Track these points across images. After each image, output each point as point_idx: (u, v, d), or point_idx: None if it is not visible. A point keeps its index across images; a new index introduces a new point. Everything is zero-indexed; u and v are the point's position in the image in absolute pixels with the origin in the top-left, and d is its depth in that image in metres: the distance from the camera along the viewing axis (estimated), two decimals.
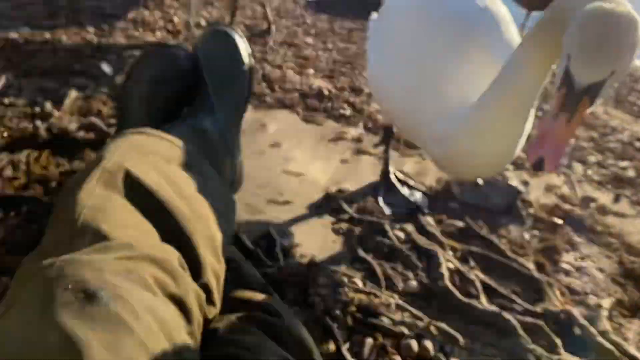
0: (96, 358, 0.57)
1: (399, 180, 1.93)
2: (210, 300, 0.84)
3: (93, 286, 0.64)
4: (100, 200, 0.81)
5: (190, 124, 1.24)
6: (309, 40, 3.42)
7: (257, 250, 1.38)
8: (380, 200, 1.82)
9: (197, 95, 1.42)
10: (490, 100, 1.11)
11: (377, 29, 1.62)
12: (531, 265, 1.66)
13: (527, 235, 1.84)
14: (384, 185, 1.89)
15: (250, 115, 2.27)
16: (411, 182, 1.96)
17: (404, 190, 1.88)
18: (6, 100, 1.91)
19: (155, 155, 0.97)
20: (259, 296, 0.94)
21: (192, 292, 0.78)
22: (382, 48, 1.52)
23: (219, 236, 0.94)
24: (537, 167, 0.89)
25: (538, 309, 1.44)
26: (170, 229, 0.85)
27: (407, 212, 1.79)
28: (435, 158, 1.36)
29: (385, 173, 1.93)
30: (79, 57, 2.44)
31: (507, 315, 1.31)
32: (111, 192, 0.84)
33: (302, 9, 4.10)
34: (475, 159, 1.20)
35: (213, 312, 0.85)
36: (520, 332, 1.26)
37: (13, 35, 2.48)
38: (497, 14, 1.34)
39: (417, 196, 1.89)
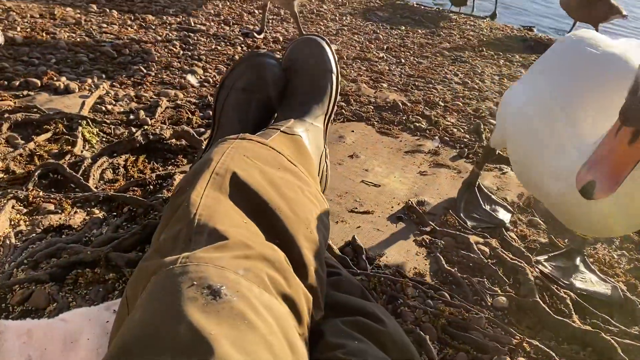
0: (225, 352, 0.58)
1: (483, 194, 1.90)
2: (316, 303, 0.85)
3: (216, 283, 0.66)
4: (212, 201, 0.84)
5: (283, 130, 1.27)
6: (382, 54, 3.44)
7: (346, 258, 1.39)
8: (462, 213, 1.80)
9: (287, 101, 1.46)
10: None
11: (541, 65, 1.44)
12: (622, 286, 1.59)
13: (615, 255, 1.76)
14: (466, 198, 1.86)
15: (328, 128, 2.31)
16: (494, 197, 1.92)
17: (487, 205, 1.84)
18: (103, 108, 2.04)
19: (257, 160, 1.00)
20: (361, 302, 0.95)
21: (302, 293, 0.79)
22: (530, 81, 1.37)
23: (320, 240, 0.95)
24: (585, 193, 0.73)
25: (635, 331, 1.37)
26: (276, 229, 0.87)
27: (490, 226, 1.76)
28: (559, 202, 1.13)
29: (469, 185, 1.90)
30: (167, 68, 2.56)
31: (605, 335, 1.26)
32: (220, 194, 0.87)
33: (373, 25, 4.14)
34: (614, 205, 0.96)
35: (319, 314, 0.86)
36: (621, 353, 1.21)
37: (107, 47, 2.64)
38: None
39: (501, 211, 1.84)
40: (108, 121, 1.91)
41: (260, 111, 1.45)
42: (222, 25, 3.42)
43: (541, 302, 1.36)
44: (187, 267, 0.68)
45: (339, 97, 2.61)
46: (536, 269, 1.57)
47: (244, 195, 0.90)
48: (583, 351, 1.25)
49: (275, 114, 1.48)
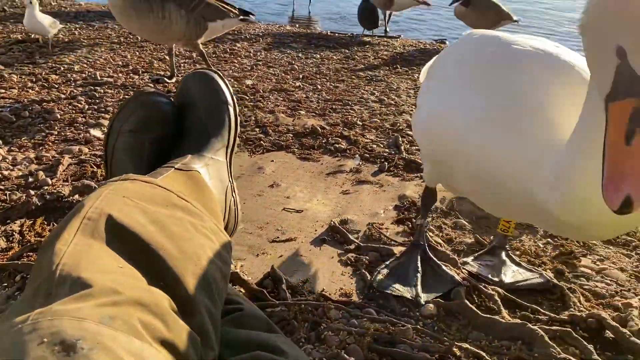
0: None
1: (428, 266, 1.55)
2: (206, 343, 0.79)
3: (71, 336, 0.59)
4: (80, 249, 0.77)
5: (177, 168, 1.21)
6: (298, 83, 3.45)
7: (263, 291, 1.33)
8: (419, 288, 1.43)
9: (184, 137, 1.40)
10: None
11: (437, 73, 1.39)
12: (550, 274, 1.59)
13: (541, 244, 1.78)
14: (417, 263, 1.51)
15: (246, 161, 2.26)
16: (442, 268, 1.55)
17: (443, 268, 1.53)
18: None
19: (140, 199, 0.94)
20: (262, 336, 0.89)
21: (185, 336, 0.73)
22: (446, 91, 1.26)
23: (213, 276, 0.89)
24: (624, 210, 0.67)
25: (564, 316, 1.37)
26: (158, 270, 0.80)
27: (448, 289, 1.46)
28: (549, 211, 1.01)
29: (416, 247, 1.56)
30: (71, 125, 2.45)
31: (532, 325, 1.24)
32: (92, 240, 0.80)
33: (288, 56, 4.17)
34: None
35: (211, 355, 0.80)
36: (548, 341, 1.19)
37: (4, 112, 2.51)
38: (570, 53, 1.14)
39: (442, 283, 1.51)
40: (3, 187, 1.78)
41: (156, 152, 1.38)
42: (131, 74, 3.34)
43: (468, 303, 1.34)
44: (39, 323, 0.61)
45: (257, 130, 2.58)
46: (463, 270, 1.56)
47: (122, 238, 0.83)
48: (514, 345, 1.22)
49: (173, 152, 1.42)
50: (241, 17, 3.11)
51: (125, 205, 0.90)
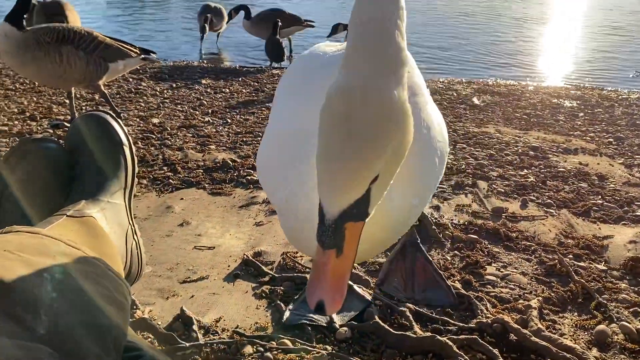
0: None
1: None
2: None
3: None
4: None
5: (70, 215, 1.16)
6: (207, 118, 3.43)
7: (172, 335, 1.28)
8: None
9: (77, 183, 1.34)
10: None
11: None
12: (458, 285, 1.66)
13: (449, 257, 1.86)
14: None
15: (154, 201, 2.20)
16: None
17: (355, 289, 1.54)
18: None
19: (23, 252, 0.89)
20: None
21: None
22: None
23: (107, 323, 0.85)
24: (319, 310, 0.75)
25: (472, 324, 1.42)
26: (47, 326, 0.76)
27: (361, 309, 1.46)
28: (287, 238, 1.22)
29: None
30: None
31: (441, 337, 1.28)
32: None
33: (197, 92, 4.14)
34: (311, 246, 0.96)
35: None
36: (456, 350, 1.23)
37: None
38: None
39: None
40: None
41: (47, 199, 1.31)
42: (28, 121, 3.17)
43: (381, 322, 1.36)
44: None
45: (165, 169, 2.52)
46: (376, 290, 1.59)
47: (3, 295, 0.78)
48: (425, 358, 1.26)
49: (68, 199, 1.35)
50: (142, 56, 3.08)
51: (6, 259, 0.85)
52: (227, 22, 6.52)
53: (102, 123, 1.40)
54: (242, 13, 6.03)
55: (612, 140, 3.35)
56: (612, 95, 4.77)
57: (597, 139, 3.38)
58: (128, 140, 1.42)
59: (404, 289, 1.58)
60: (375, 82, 0.73)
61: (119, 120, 1.43)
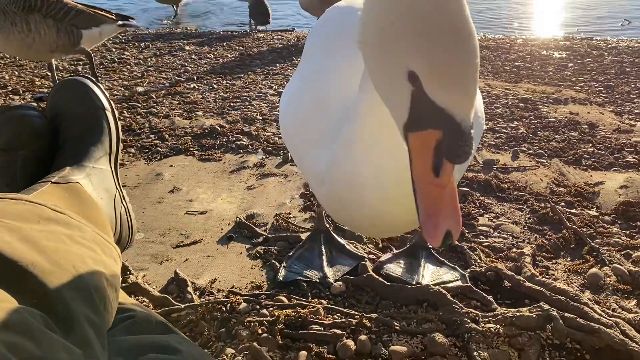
0: None
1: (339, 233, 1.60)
2: (90, 355, 0.75)
3: None
4: None
5: (54, 181, 1.14)
6: (193, 85, 3.37)
7: (167, 297, 1.28)
8: (325, 269, 1.42)
9: (61, 150, 1.32)
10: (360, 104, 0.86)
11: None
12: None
13: None
14: (321, 246, 1.51)
15: (143, 169, 2.17)
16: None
17: (347, 247, 1.53)
18: None
19: (6, 218, 0.87)
20: (155, 338, 0.85)
21: (61, 351, 0.68)
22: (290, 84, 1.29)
23: (96, 285, 0.85)
24: (446, 241, 0.66)
25: (466, 273, 1.43)
26: (31, 287, 0.75)
27: (354, 265, 1.45)
28: (326, 208, 1.08)
29: (318, 231, 1.56)
30: None
31: (433, 286, 1.29)
32: None
33: (181, 59, 4.05)
34: (370, 192, 0.90)
35: None
36: (451, 298, 1.24)
37: None
38: None
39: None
40: None
41: (31, 168, 1.28)
42: (11, 95, 3.11)
43: (375, 275, 1.36)
44: None
45: (152, 137, 2.49)
46: (368, 245, 1.59)
47: None
48: (420, 308, 1.27)
49: (53, 164, 1.33)
50: (120, 22, 2.98)
51: None
52: None
53: (82, 88, 1.36)
54: None
55: (601, 88, 3.34)
56: (601, 44, 4.73)
57: (587, 88, 3.36)
58: (110, 104, 1.38)
59: (408, 272, 1.44)
60: None
61: (99, 84, 1.39)
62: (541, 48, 4.48)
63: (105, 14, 2.94)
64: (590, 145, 2.39)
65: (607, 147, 2.36)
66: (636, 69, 3.82)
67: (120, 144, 1.36)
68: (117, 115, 1.36)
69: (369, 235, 1.58)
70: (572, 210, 1.82)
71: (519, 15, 6.52)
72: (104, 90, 1.39)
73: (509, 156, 2.29)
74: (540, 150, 2.32)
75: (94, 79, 1.38)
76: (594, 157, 2.27)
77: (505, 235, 1.70)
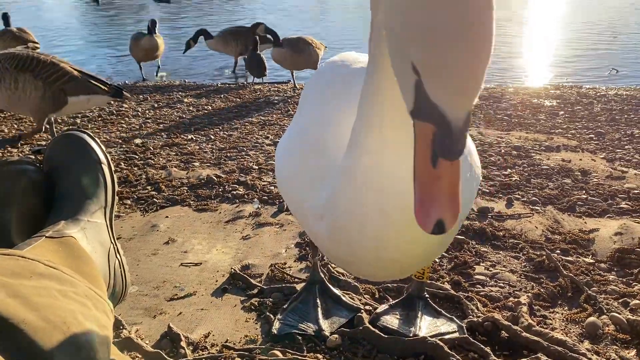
0: None
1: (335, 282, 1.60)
2: None
3: None
4: None
5: (48, 236, 1.14)
6: (190, 136, 3.41)
7: (159, 352, 1.26)
8: (320, 322, 1.41)
9: (57, 203, 1.32)
10: (360, 132, 0.86)
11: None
12: (447, 286, 1.65)
13: (437, 259, 1.85)
14: (316, 298, 1.50)
15: (139, 221, 2.17)
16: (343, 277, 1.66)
17: (342, 298, 1.52)
18: None
19: None
20: None
21: None
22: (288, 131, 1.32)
23: (87, 341, 0.84)
24: (438, 230, 0.66)
25: (463, 324, 1.42)
26: (21, 344, 0.74)
27: (350, 317, 1.44)
28: (326, 249, 1.07)
29: (313, 282, 1.55)
30: None
31: (431, 339, 1.27)
32: None
33: (179, 111, 4.12)
34: (373, 219, 0.89)
35: None
36: (448, 351, 1.22)
37: None
38: None
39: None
40: None
41: (26, 222, 1.29)
42: (9, 148, 3.14)
43: (371, 327, 1.35)
44: None
45: (149, 188, 2.50)
46: (365, 295, 1.58)
47: None
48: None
49: (47, 219, 1.33)
50: (114, 94, 2.94)
51: None
52: (184, 53, 6.18)
53: (79, 142, 1.39)
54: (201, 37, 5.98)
55: (592, 136, 3.39)
56: (590, 92, 4.84)
57: (578, 135, 3.41)
58: (106, 158, 1.41)
59: (405, 324, 1.41)
60: None
61: (96, 139, 1.41)
62: (532, 97, 4.58)
63: (99, 84, 2.92)
64: (584, 192, 2.41)
65: (600, 194, 2.38)
66: (625, 116, 3.89)
67: (116, 197, 1.37)
68: (113, 168, 1.38)
69: (370, 278, 1.54)
70: (567, 258, 1.82)
71: (509, 66, 6.69)
72: (100, 144, 1.41)
73: (503, 204, 2.30)
74: (534, 198, 2.34)
75: (90, 133, 1.41)
76: (588, 204, 2.28)
77: (502, 284, 1.69)
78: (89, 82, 2.90)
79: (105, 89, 2.93)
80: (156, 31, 5.63)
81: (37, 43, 5.18)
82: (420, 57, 0.61)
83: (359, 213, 0.89)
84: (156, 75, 5.87)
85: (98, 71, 6.60)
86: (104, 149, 1.38)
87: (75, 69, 2.89)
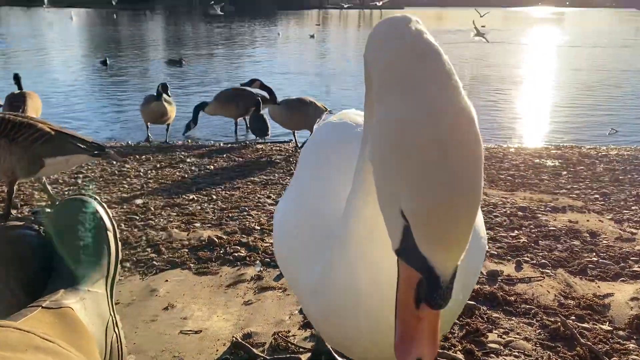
0: None
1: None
2: None
3: None
4: None
5: (45, 306, 1.09)
6: (192, 196, 3.39)
7: None
8: None
9: (57, 271, 1.28)
10: (352, 210, 0.86)
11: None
12: (460, 355, 1.57)
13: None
14: None
15: (137, 285, 2.11)
16: None
17: None
18: None
19: None
20: None
21: None
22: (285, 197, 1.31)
23: None
24: None
25: None
26: None
27: None
28: (319, 328, 1.05)
29: (318, 353, 1.52)
30: None
31: None
32: None
33: (181, 171, 4.12)
34: (367, 295, 0.87)
35: None
36: None
37: None
38: None
39: None
40: None
41: (23, 290, 1.24)
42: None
43: None
44: None
45: (148, 250, 2.45)
46: None
47: None
48: None
49: (47, 286, 1.28)
50: (95, 152, 2.83)
51: None
52: (185, 134, 6.16)
53: (85, 208, 1.36)
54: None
55: (598, 196, 3.36)
56: (591, 152, 4.86)
57: (583, 195, 3.38)
58: (112, 225, 1.37)
59: None
60: (447, 97, 0.62)
61: (103, 205, 1.38)
62: (534, 157, 4.59)
63: (78, 144, 2.81)
64: (594, 254, 2.36)
65: (611, 257, 2.32)
66: (629, 176, 3.89)
67: (119, 266, 1.32)
68: (118, 235, 1.34)
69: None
70: (583, 325, 1.75)
71: (508, 126, 6.78)
72: (107, 210, 1.38)
73: (512, 266, 2.24)
74: (543, 260, 2.28)
75: (97, 198, 1.38)
76: (599, 266, 2.22)
77: (517, 353, 1.61)
78: (67, 142, 2.78)
79: (84, 147, 2.81)
80: (169, 94, 5.71)
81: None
82: (412, 207, 0.60)
83: (352, 290, 0.87)
84: (166, 140, 5.86)
85: (103, 131, 6.70)
86: (111, 215, 1.35)
87: (53, 129, 2.79)
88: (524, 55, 17.78)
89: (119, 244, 1.36)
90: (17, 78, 5.56)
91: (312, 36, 24.25)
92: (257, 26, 33.80)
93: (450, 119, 0.61)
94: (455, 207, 0.59)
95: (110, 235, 1.38)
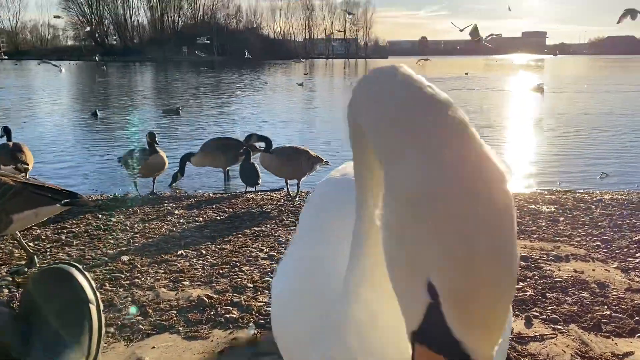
0: None
1: None
2: None
3: None
4: None
5: None
6: (180, 251, 3.25)
7: None
8: None
9: (30, 351, 1.14)
10: (353, 272, 0.76)
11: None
12: None
13: None
14: None
15: (122, 353, 1.94)
16: None
17: None
18: None
19: None
20: None
21: None
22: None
23: None
24: None
25: None
26: None
27: None
28: None
29: None
30: None
31: None
32: None
33: (169, 224, 3.99)
34: None
35: None
36: None
37: None
38: None
39: None
40: None
41: None
42: None
43: None
44: None
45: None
46: None
47: None
48: None
49: None
50: (65, 201, 2.70)
51: None
52: (171, 185, 6.12)
53: (65, 279, 1.23)
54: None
55: (599, 243, 3.28)
56: (586, 197, 4.81)
57: (584, 243, 3.30)
58: (96, 297, 1.25)
59: None
60: (476, 153, 0.53)
61: (86, 273, 1.26)
62: (529, 202, 4.53)
63: (46, 194, 2.68)
64: (606, 307, 2.24)
65: (624, 310, 2.21)
66: (627, 221, 3.82)
67: (102, 343, 1.19)
68: (102, 308, 1.21)
69: None
70: None
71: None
72: (91, 280, 1.26)
73: (522, 322, 2.12)
74: (554, 315, 2.16)
75: (80, 267, 1.25)
76: (614, 321, 2.10)
77: None
78: (34, 194, 2.64)
79: (54, 197, 2.67)
80: (157, 142, 5.62)
81: (27, 165, 5.14)
82: (445, 283, 0.51)
83: None
84: (153, 191, 5.74)
85: (90, 182, 6.57)
86: (94, 285, 1.22)
87: (19, 182, 2.66)
88: (508, 101, 18.14)
89: (103, 318, 1.23)
90: (7, 131, 5.49)
91: (301, 84, 24.61)
92: (245, 75, 34.31)
93: (487, 181, 0.52)
94: (500, 281, 0.50)
95: (93, 309, 1.25)
